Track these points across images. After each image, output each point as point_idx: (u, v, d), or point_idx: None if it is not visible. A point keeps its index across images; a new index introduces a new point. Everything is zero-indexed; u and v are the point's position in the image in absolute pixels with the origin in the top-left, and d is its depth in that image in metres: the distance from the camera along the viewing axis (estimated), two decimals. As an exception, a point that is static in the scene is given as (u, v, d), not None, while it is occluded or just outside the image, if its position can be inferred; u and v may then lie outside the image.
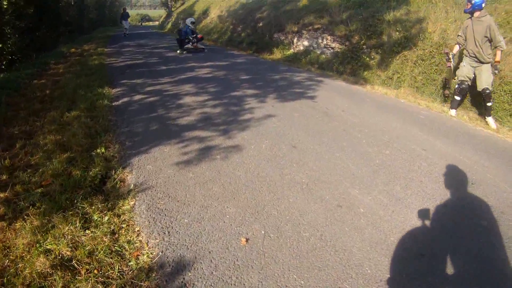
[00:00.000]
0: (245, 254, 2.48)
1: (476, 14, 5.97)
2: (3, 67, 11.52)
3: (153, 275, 2.28)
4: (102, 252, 2.45)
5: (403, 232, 2.87)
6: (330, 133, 4.90)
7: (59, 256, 2.42)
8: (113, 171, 3.55)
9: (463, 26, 6.37)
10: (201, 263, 2.39)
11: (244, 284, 2.23)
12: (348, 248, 2.62)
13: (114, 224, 2.79)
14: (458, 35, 6.50)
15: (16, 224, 2.76)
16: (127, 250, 2.51)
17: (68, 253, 2.45)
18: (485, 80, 6.03)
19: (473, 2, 5.88)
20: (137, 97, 6.42)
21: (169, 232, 2.68)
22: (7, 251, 2.47)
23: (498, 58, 5.90)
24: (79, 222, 2.74)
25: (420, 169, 4.03)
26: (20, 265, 2.33)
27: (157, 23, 47.28)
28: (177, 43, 13.74)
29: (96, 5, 38.27)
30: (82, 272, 2.28)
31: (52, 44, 17.13)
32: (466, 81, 6.32)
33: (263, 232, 2.73)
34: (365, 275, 2.36)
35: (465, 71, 6.30)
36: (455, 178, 3.94)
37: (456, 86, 6.52)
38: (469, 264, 2.56)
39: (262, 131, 4.82)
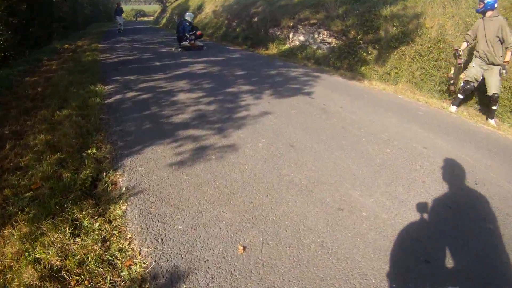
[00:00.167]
0: (242, 264, 2.35)
1: (488, 14, 5.86)
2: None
3: (146, 286, 2.15)
4: (93, 261, 2.32)
5: (408, 237, 2.76)
6: (328, 131, 4.77)
7: (48, 266, 2.28)
8: (104, 174, 3.41)
9: (474, 26, 6.23)
10: (196, 273, 2.25)
11: (242, 297, 2.10)
12: (351, 256, 2.49)
13: (105, 230, 2.65)
14: (467, 34, 6.37)
15: (4, 231, 2.62)
16: (119, 259, 2.38)
17: (58, 262, 2.32)
18: (495, 84, 5.93)
19: (485, 1, 5.78)
20: (130, 94, 6.24)
21: (162, 240, 2.54)
22: (-5, 260, 2.33)
23: (507, 58, 5.78)
24: (69, 229, 2.59)
25: (422, 169, 3.91)
26: (8, 275, 2.21)
27: (151, 18, 46.93)
28: (177, 41, 13.03)
29: (90, 1, 37.85)
30: (72, 284, 2.16)
31: (45, 40, 16.86)
32: (473, 82, 6.18)
33: (261, 239, 2.60)
34: (369, 285, 2.23)
35: (474, 72, 6.15)
36: (458, 178, 3.84)
37: (462, 84, 6.39)
38: (476, 270, 2.44)
39: (258, 129, 4.67)
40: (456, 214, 3.14)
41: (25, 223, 2.67)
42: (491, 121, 6.11)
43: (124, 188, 3.16)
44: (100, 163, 3.65)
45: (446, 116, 6.23)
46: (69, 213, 2.79)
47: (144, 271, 2.26)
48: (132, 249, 2.48)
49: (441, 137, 4.94)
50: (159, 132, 4.49)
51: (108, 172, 3.42)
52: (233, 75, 8.21)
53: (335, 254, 2.49)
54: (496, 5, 5.82)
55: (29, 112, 5.25)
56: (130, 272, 2.25)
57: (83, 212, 2.81)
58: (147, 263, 2.33)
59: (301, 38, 12.00)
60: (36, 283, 2.13)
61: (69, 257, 2.34)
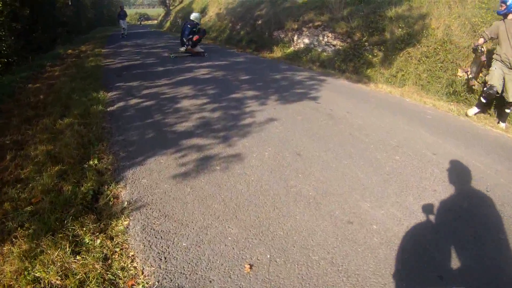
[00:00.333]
0: (249, 284, 2.24)
1: (511, 16, 5.66)
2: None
3: (149, 309, 2.05)
4: (94, 281, 2.22)
5: (419, 251, 2.65)
6: (335, 138, 4.66)
7: (48, 285, 2.20)
8: (106, 187, 3.31)
9: (493, 26, 6.01)
10: (201, 295, 2.16)
11: (249, 322, 2.00)
12: (361, 273, 2.39)
13: (106, 248, 2.55)
14: (484, 32, 6.19)
15: (3, 248, 2.54)
16: (121, 279, 2.28)
17: (58, 282, 2.23)
18: None
19: (508, 3, 5.56)
20: (133, 101, 6.16)
21: (166, 258, 2.44)
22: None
23: None
24: (69, 246, 2.50)
25: (432, 176, 3.80)
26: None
27: (155, 21, 47.07)
28: (180, 45, 12.55)
29: (94, 5, 37.95)
30: (73, 306, 2.06)
31: (49, 45, 16.87)
32: (495, 86, 5.90)
33: (268, 256, 2.49)
34: (382, 306, 2.12)
35: (497, 75, 5.89)
36: (469, 185, 3.73)
37: (484, 89, 6.08)
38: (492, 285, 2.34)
39: (264, 137, 4.57)
40: (469, 224, 3.03)
41: (25, 240, 2.59)
42: (502, 125, 5.97)
43: (126, 202, 3.07)
44: (101, 175, 3.56)
45: (454, 120, 6.12)
46: (70, 229, 2.70)
47: (147, 292, 2.17)
48: (135, 267, 2.38)
49: (450, 142, 4.83)
50: (163, 141, 4.39)
51: (110, 185, 3.32)
52: (238, 80, 8.12)
53: (345, 272, 2.39)
54: None
55: (31, 121, 5.18)
56: (133, 293, 2.16)
57: (84, 228, 2.72)
58: (150, 283, 2.24)
59: (306, 40, 11.91)
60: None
61: (70, 277, 2.25)
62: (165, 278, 2.28)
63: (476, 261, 2.58)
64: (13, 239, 2.60)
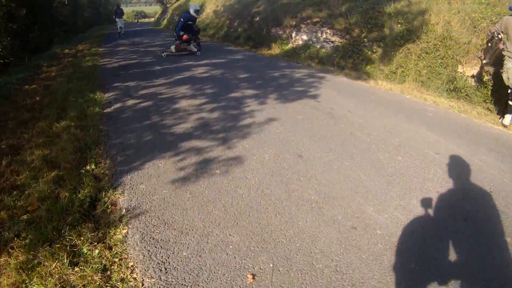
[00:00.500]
0: (252, 295, 2.18)
1: None
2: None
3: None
4: (92, 293, 2.16)
5: (424, 256, 2.59)
6: (337, 138, 4.59)
7: (46, 300, 2.14)
8: (103, 193, 3.23)
9: (503, 22, 5.87)
10: (203, 309, 2.09)
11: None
12: (366, 281, 2.33)
13: (105, 258, 2.49)
14: (493, 27, 6.08)
15: (0, 259, 2.48)
16: (121, 291, 2.22)
17: (56, 295, 2.17)
18: None
19: None
20: (130, 102, 6.07)
21: (166, 269, 2.37)
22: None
23: None
24: (67, 257, 2.43)
25: (435, 177, 3.75)
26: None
27: (152, 19, 46.86)
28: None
29: (91, 3, 37.70)
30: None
31: (46, 45, 16.70)
32: None
33: (271, 265, 2.43)
34: (390, 317, 2.06)
35: None
36: (472, 186, 3.68)
37: (510, 91, 5.77)
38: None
39: (264, 138, 4.49)
40: (473, 227, 2.99)
41: (22, 251, 2.53)
42: (508, 117, 5.80)
43: (124, 210, 2.99)
44: (99, 180, 3.48)
45: (455, 117, 6.06)
46: (67, 238, 2.64)
47: (147, 306, 2.11)
48: (135, 279, 2.32)
49: (452, 141, 4.77)
50: (161, 144, 4.31)
51: (108, 192, 3.25)
52: (236, 78, 8.03)
53: (349, 280, 2.33)
54: None
55: (27, 124, 5.11)
56: (133, 306, 2.10)
57: (82, 238, 2.66)
58: (150, 295, 2.18)
59: (304, 37, 11.81)
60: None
61: (68, 290, 2.19)
62: (166, 290, 2.21)
63: (482, 266, 2.53)
64: (10, 250, 2.54)
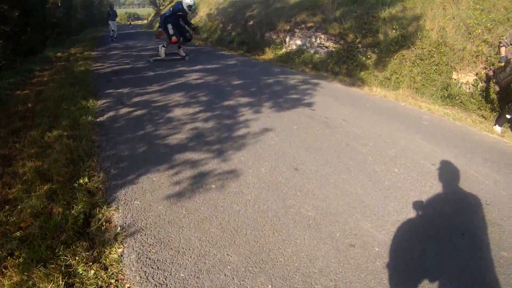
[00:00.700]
0: (251, 321, 2.14)
1: None
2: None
3: None
4: (88, 318, 2.11)
5: (423, 274, 2.56)
6: (333, 149, 4.56)
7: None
8: (97, 209, 3.17)
9: (509, 34, 5.92)
10: (200, 336, 2.04)
11: None
12: (366, 302, 2.29)
13: (101, 279, 2.41)
14: (503, 39, 6.05)
15: (-7, 280, 2.40)
16: (117, 315, 2.16)
17: (51, 321, 2.11)
18: None
19: None
20: (123, 110, 5.98)
21: (162, 292, 2.32)
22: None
23: None
24: (62, 278, 2.36)
25: (432, 190, 3.75)
26: None
27: (145, 21, 46.65)
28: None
29: (84, 5, 37.41)
30: None
31: (39, 47, 16.48)
32: None
33: (270, 286, 2.38)
34: None
35: None
36: (469, 199, 3.69)
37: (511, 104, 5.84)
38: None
39: (260, 151, 4.44)
40: (470, 242, 2.99)
41: (15, 270, 2.45)
42: (498, 129, 5.89)
43: (119, 227, 2.93)
44: (92, 195, 3.41)
45: (450, 125, 6.08)
46: (62, 258, 2.57)
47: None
48: (131, 302, 2.26)
49: (448, 150, 4.78)
50: (155, 156, 4.23)
51: (102, 208, 3.18)
52: (230, 85, 7.96)
53: (349, 302, 2.30)
54: None
55: (19, 133, 5.00)
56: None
57: (77, 257, 2.58)
58: (146, 321, 2.12)
59: (298, 42, 11.80)
60: None
61: (63, 315, 2.14)
62: (162, 315, 2.16)
63: (481, 283, 2.51)
64: (3, 270, 2.47)
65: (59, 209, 3.16)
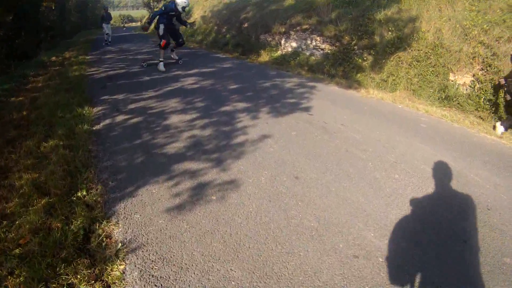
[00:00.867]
0: None
1: None
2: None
3: None
4: None
5: (424, 282, 2.54)
6: (332, 156, 4.53)
7: None
8: (97, 224, 3.11)
9: None
10: None
11: None
12: (373, 317, 2.26)
13: (103, 299, 2.38)
14: None
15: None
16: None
17: None
18: None
19: None
20: (120, 118, 5.91)
21: (167, 312, 2.28)
22: None
23: None
24: (64, 300, 2.32)
25: (433, 196, 3.74)
26: None
27: (139, 23, 46.53)
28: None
29: (78, 8, 37.20)
30: None
31: (33, 51, 16.34)
32: None
33: (275, 303, 2.35)
34: None
35: None
36: (470, 204, 3.67)
37: None
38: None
39: (259, 159, 4.40)
40: (472, 249, 2.98)
41: (16, 291, 2.41)
42: (501, 129, 5.89)
43: (120, 243, 2.87)
44: (91, 209, 3.35)
45: (448, 127, 6.08)
46: (63, 277, 2.51)
47: None
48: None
49: (447, 154, 4.78)
50: (153, 167, 4.17)
51: (101, 223, 3.13)
52: (227, 89, 7.91)
53: (355, 316, 2.27)
54: None
55: (14, 143, 4.93)
56: None
57: (78, 276, 2.53)
58: None
59: (294, 44, 11.77)
60: None
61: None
62: (166, 336, 2.12)
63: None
64: (4, 290, 2.42)
65: (58, 224, 3.11)
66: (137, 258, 2.73)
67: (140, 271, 2.60)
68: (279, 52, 12.35)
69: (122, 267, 2.65)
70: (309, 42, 11.15)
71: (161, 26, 10.06)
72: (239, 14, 15.76)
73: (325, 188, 3.77)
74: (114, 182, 3.83)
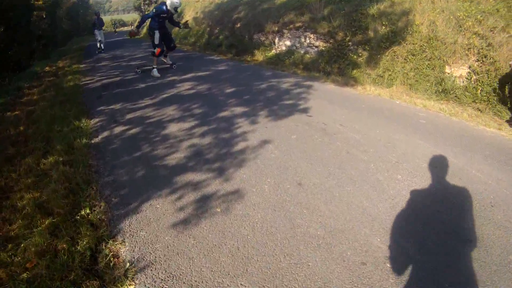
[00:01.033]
0: None
1: None
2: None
3: None
4: None
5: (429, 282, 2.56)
6: (334, 159, 4.52)
7: None
8: (103, 244, 3.10)
9: None
10: None
11: None
12: (385, 327, 2.26)
13: (117, 323, 2.37)
14: None
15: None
16: None
17: None
18: None
19: None
20: (118, 129, 5.87)
21: (179, 334, 2.27)
22: None
23: None
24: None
25: (436, 196, 3.74)
26: None
27: (131, 27, 46.34)
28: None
29: (69, 15, 36.96)
30: None
31: (26, 61, 16.22)
32: None
33: (287, 318, 2.35)
34: None
35: None
36: (473, 201, 3.67)
37: None
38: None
39: (261, 166, 4.38)
40: (478, 249, 2.99)
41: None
42: None
43: (128, 263, 2.86)
44: (96, 228, 3.33)
45: (447, 121, 6.08)
46: (73, 302, 2.51)
47: None
48: None
49: (447, 150, 4.78)
50: (155, 180, 4.14)
51: (107, 242, 3.11)
52: (223, 94, 7.87)
53: (368, 327, 2.27)
54: None
55: (13, 160, 4.91)
56: None
57: (89, 300, 2.53)
58: None
59: (287, 42, 11.74)
60: None
61: None
62: None
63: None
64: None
65: (64, 245, 3.09)
66: (147, 278, 2.71)
67: (150, 291, 2.59)
68: (273, 52, 12.33)
69: (132, 287, 2.64)
70: (303, 40, 11.12)
71: (156, 34, 9.86)
72: (231, 14, 15.71)
73: (328, 193, 3.76)
74: (117, 198, 3.81)
